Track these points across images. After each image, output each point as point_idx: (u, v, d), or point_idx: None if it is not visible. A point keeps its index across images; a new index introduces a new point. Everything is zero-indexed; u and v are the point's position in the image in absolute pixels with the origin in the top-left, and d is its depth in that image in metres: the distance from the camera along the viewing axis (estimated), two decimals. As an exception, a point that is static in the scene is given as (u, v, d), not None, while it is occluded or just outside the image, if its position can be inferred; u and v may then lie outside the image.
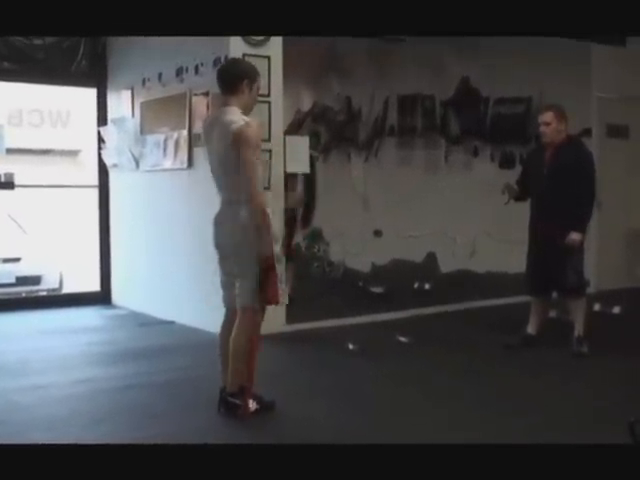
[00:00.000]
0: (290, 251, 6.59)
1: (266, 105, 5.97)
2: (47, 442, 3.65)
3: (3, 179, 7.30)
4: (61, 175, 10.97)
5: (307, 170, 6.63)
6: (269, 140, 5.99)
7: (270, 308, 4.18)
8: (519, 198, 5.80)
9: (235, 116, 4.00)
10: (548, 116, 5.59)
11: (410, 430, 3.91)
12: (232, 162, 3.98)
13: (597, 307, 7.04)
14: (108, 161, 7.66)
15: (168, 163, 6.81)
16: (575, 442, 3.16)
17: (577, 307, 5.68)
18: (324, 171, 7.12)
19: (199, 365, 5.22)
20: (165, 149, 6.83)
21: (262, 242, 3.94)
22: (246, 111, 4.09)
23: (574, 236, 5.48)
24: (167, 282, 6.93)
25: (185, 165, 6.56)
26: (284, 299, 4.21)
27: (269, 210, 4.07)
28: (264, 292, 3.98)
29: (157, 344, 6.01)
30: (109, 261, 7.86)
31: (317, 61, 6.87)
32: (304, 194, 6.90)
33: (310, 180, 6.95)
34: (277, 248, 4.07)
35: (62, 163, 12.40)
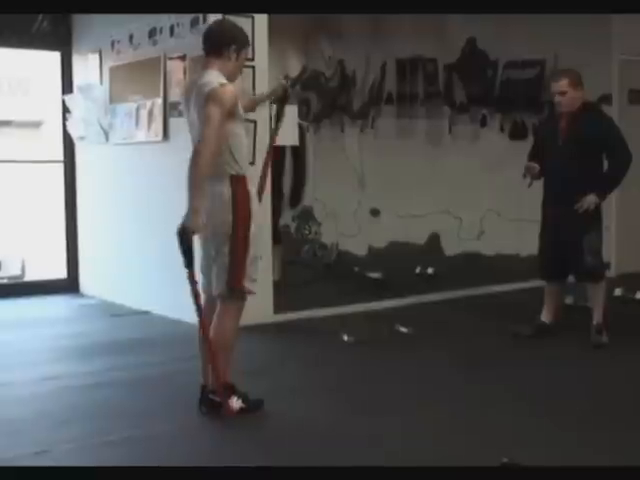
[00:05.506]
0: (277, 233, 6.59)
1: (250, 70, 5.95)
2: (8, 447, 3.68)
3: (-44, 154, 7.28)
4: (21, 149, 10.92)
5: (296, 142, 6.62)
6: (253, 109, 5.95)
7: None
8: (540, 176, 5.76)
9: (212, 77, 3.97)
10: (563, 84, 5.57)
11: (410, 431, 3.93)
12: None
13: (618, 292, 7.09)
14: (74, 133, 7.64)
15: (141, 135, 6.79)
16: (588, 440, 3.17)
17: (596, 292, 5.70)
18: (315, 143, 7.10)
19: (177, 359, 5.23)
20: (137, 119, 6.81)
21: (189, 210, 3.86)
22: (230, 79, 4.06)
23: (590, 198, 5.47)
24: (141, 268, 6.92)
25: (160, 137, 6.54)
26: (250, 287, 4.08)
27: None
28: (229, 276, 3.97)
29: (131, 336, 6.02)
30: (76, 245, 7.85)
31: (306, 21, 6.83)
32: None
33: (299, 153, 6.93)
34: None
35: (22, 136, 12.32)
